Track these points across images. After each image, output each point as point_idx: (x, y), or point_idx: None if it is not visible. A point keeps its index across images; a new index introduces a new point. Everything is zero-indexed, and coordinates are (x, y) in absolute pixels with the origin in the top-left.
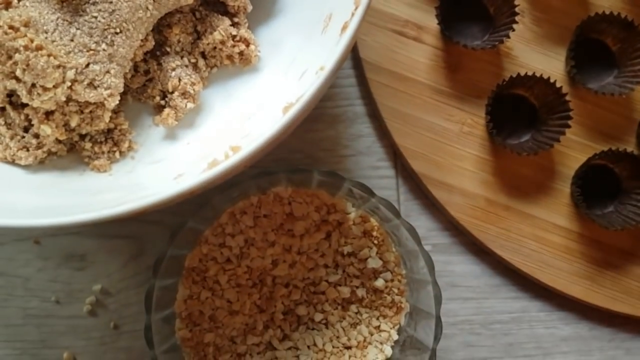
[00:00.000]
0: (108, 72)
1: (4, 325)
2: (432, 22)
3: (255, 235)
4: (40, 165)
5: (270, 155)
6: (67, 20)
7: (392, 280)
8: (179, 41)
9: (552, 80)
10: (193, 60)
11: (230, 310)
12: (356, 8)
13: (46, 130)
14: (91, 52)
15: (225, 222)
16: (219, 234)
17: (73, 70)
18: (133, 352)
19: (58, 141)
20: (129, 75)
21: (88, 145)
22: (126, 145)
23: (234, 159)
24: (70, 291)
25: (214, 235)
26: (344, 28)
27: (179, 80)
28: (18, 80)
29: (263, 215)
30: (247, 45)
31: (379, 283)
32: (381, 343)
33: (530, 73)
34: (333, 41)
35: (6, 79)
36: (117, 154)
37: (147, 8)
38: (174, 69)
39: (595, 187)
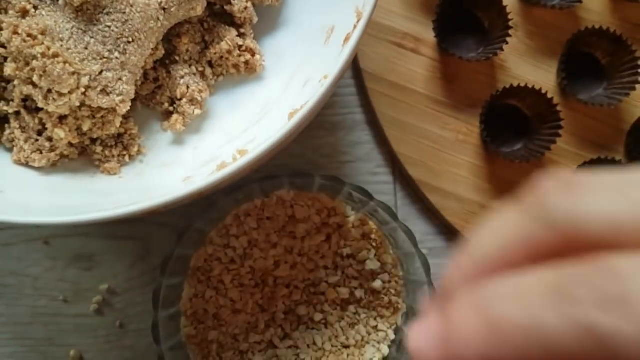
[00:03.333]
0: (120, 79)
1: (13, 323)
2: (429, 35)
3: (258, 236)
4: (53, 167)
5: (272, 161)
6: (81, 29)
7: (389, 282)
8: (187, 50)
9: (543, 92)
10: (201, 69)
11: (234, 309)
12: (358, 21)
13: (60, 134)
14: (104, 60)
15: (230, 224)
16: (224, 235)
17: (87, 77)
18: (138, 350)
19: (70, 144)
20: (139, 83)
21: (99, 148)
22: (135, 149)
23: (242, 161)
24: (78, 290)
25: (219, 236)
26: (347, 39)
27: (187, 87)
28: (35, 86)
29: (266, 218)
30: (253, 55)
31: (377, 284)
32: (378, 342)
33: (523, 84)
34: (335, 52)
35: (23, 85)
36: (126, 158)
37: (158, 19)
38: (182, 77)
39: None
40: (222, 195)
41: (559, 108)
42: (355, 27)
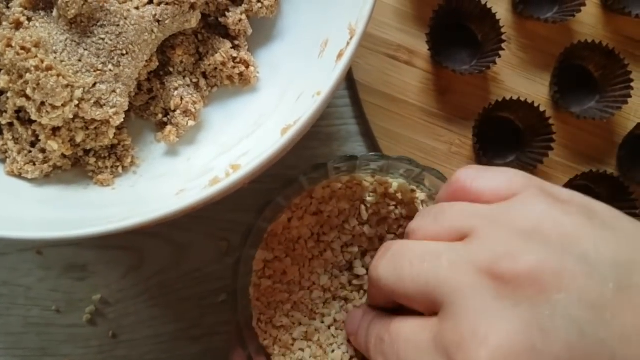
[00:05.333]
0: (114, 91)
1: (5, 333)
2: (423, 47)
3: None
4: (46, 179)
5: (266, 171)
6: (75, 41)
7: None
8: (181, 62)
9: (536, 105)
10: (195, 80)
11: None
12: (351, 38)
13: (53, 145)
14: (98, 72)
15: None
16: (310, 204)
17: (81, 90)
18: None
19: (63, 156)
20: (132, 94)
21: (92, 160)
22: (129, 160)
23: (234, 177)
24: (71, 301)
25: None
26: (340, 56)
27: (181, 99)
28: (28, 98)
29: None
30: (247, 67)
31: None
32: None
33: (515, 97)
34: (329, 66)
35: (16, 97)
36: (120, 169)
37: (152, 31)
38: (176, 88)
39: None
40: (301, 173)
41: (551, 121)
42: (348, 43)
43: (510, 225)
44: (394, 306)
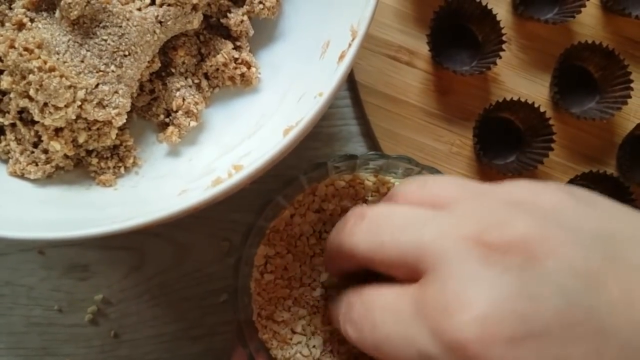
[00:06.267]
0: (116, 92)
1: (7, 332)
2: (423, 48)
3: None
4: (48, 179)
5: (268, 171)
6: (77, 42)
7: None
8: (183, 63)
9: (536, 105)
10: (196, 81)
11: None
12: (353, 39)
13: (55, 146)
14: (101, 73)
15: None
16: (312, 201)
17: (83, 91)
18: None
19: (66, 156)
20: (135, 94)
21: (94, 160)
22: (131, 161)
23: (237, 177)
24: (73, 300)
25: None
26: (341, 57)
27: (183, 99)
28: (31, 99)
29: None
30: (249, 68)
31: None
32: None
33: (515, 98)
34: (331, 67)
35: (19, 98)
36: (122, 169)
37: (155, 32)
38: (178, 89)
39: None
40: (301, 172)
41: (551, 121)
42: (350, 45)
43: (496, 198)
44: (358, 273)
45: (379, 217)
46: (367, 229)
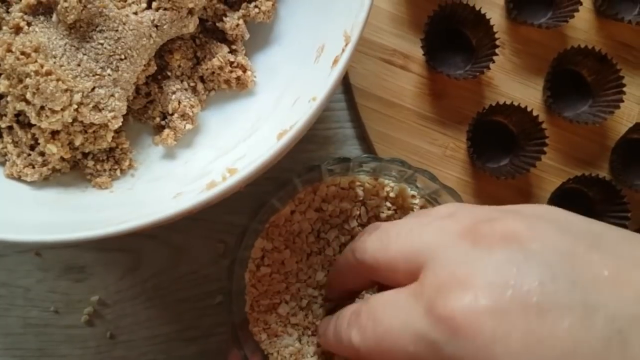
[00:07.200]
0: (112, 95)
1: (4, 334)
2: (418, 52)
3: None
4: (45, 181)
5: (263, 174)
6: (74, 46)
7: None
8: (179, 66)
9: (529, 109)
10: (192, 84)
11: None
12: (346, 44)
13: (52, 149)
14: (97, 76)
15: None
16: (314, 200)
17: (80, 94)
18: None
19: (62, 159)
20: (131, 98)
21: (90, 163)
22: (127, 163)
23: (231, 180)
24: (69, 302)
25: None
26: (335, 62)
27: (179, 102)
28: (28, 102)
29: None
30: (244, 71)
31: None
32: None
33: (509, 102)
34: (325, 71)
35: (16, 101)
36: (118, 172)
37: (151, 36)
38: (174, 92)
39: (569, 209)
40: (295, 175)
41: (544, 125)
42: (343, 50)
43: (487, 207)
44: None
45: (389, 226)
46: (377, 237)
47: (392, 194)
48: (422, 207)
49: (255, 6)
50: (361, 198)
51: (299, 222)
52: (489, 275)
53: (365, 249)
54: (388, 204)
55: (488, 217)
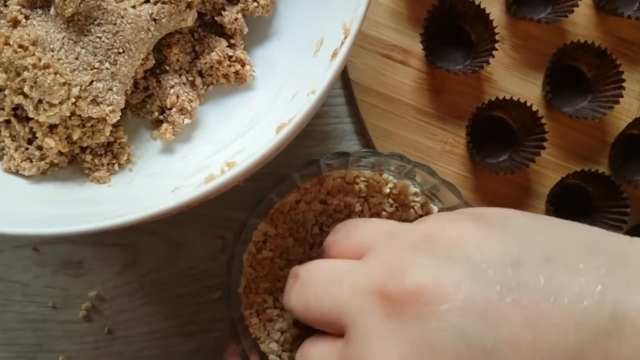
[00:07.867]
0: (110, 89)
1: (1, 329)
2: (417, 47)
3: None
4: (43, 176)
5: (261, 169)
6: (72, 40)
7: None
8: (177, 60)
9: (528, 104)
10: (191, 78)
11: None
12: (345, 37)
13: (50, 143)
14: (95, 70)
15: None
16: (319, 191)
17: (77, 88)
18: (126, 356)
19: (60, 153)
20: (129, 92)
21: (88, 157)
22: (125, 157)
23: (230, 174)
24: (67, 297)
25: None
26: (334, 55)
27: (177, 97)
28: (25, 96)
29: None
30: (243, 66)
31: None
32: None
33: (508, 97)
34: (324, 65)
35: (14, 95)
36: (116, 166)
37: (149, 30)
38: (172, 86)
39: (568, 204)
40: (294, 170)
41: (544, 120)
42: (342, 43)
43: (404, 238)
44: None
45: (309, 276)
46: (299, 290)
47: (394, 191)
48: (422, 205)
49: (254, 0)
50: (364, 194)
51: (303, 212)
52: (405, 356)
53: (292, 307)
54: (390, 201)
55: (398, 267)
